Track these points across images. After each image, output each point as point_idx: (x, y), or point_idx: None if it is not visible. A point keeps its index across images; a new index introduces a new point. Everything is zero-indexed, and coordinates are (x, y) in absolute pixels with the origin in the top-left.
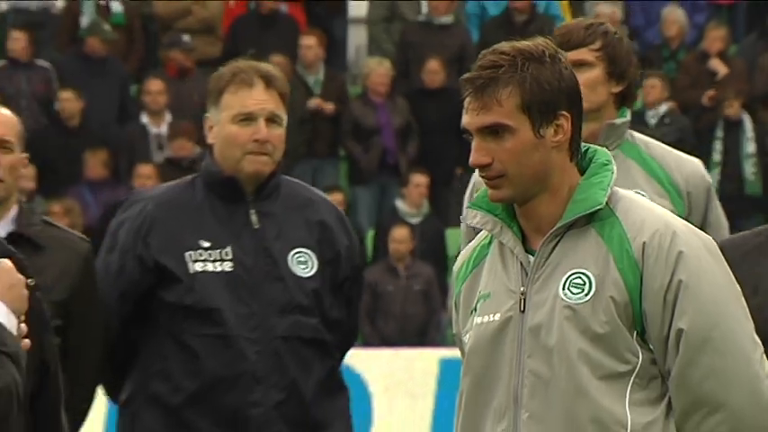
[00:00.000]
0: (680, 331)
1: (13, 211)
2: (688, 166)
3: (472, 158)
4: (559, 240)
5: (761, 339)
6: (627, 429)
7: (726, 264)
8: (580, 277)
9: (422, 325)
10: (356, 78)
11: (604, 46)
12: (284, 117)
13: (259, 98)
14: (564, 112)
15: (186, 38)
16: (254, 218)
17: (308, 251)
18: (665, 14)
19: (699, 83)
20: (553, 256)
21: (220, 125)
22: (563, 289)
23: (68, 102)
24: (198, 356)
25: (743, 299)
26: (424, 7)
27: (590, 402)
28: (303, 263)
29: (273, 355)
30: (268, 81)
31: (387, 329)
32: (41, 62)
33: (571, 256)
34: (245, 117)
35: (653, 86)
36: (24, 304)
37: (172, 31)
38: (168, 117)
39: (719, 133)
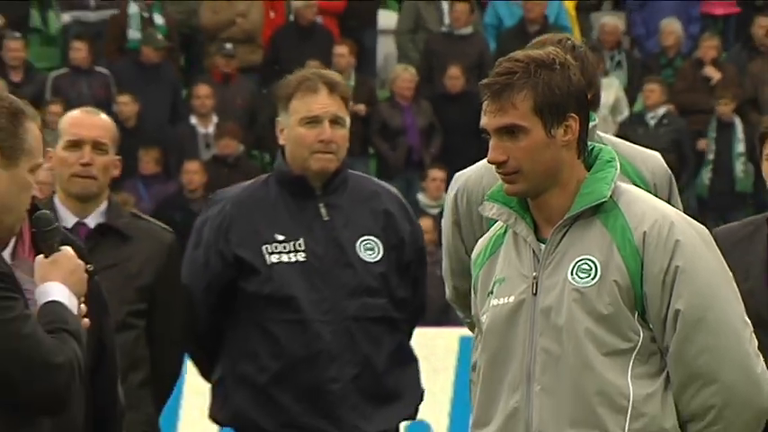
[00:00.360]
0: (677, 312)
1: (103, 205)
2: (651, 159)
3: (490, 156)
4: (568, 230)
5: (751, 321)
6: (629, 400)
7: (718, 251)
8: (587, 263)
9: (443, 306)
10: (384, 83)
11: (573, 58)
12: (347, 119)
13: (323, 102)
14: (573, 114)
15: (229, 46)
16: (323, 211)
17: (375, 238)
18: (664, 26)
19: (694, 88)
20: (562, 244)
21: (290, 128)
22: (571, 274)
23: (125, 105)
24: (279, 340)
25: (734, 283)
26: (447, 19)
27: (596, 376)
28: (370, 249)
29: (346, 335)
30: (331, 87)
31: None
32: (100, 69)
33: (578, 245)
34: (311, 120)
35: (652, 91)
36: (84, 287)
37: (217, 41)
38: (215, 119)
39: (712, 134)
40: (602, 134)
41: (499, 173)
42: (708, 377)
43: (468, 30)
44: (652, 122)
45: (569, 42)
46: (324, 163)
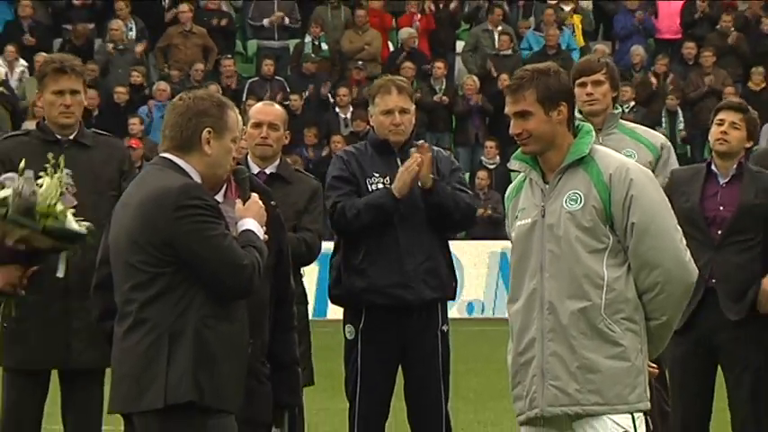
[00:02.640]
0: (632, 224)
1: (276, 161)
2: (657, 136)
3: (511, 130)
4: (562, 175)
5: (689, 225)
6: (604, 280)
7: (659, 187)
8: (575, 194)
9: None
10: (458, 87)
11: (608, 70)
12: (412, 108)
13: (395, 99)
14: (563, 103)
15: (360, 63)
16: (399, 162)
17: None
18: (632, 50)
19: (651, 88)
20: (559, 184)
21: (375, 115)
22: (565, 202)
23: (295, 101)
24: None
25: (669, 205)
26: (497, 44)
27: (583, 266)
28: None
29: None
30: (400, 88)
31: (475, 231)
32: (279, 78)
33: (569, 184)
34: (388, 111)
35: (625, 91)
36: (264, 219)
37: (353, 61)
38: (350, 108)
39: (663, 118)
40: (622, 121)
41: (518, 140)
42: (653, 264)
43: (509, 51)
44: (625, 110)
45: (604, 60)
46: (396, 136)
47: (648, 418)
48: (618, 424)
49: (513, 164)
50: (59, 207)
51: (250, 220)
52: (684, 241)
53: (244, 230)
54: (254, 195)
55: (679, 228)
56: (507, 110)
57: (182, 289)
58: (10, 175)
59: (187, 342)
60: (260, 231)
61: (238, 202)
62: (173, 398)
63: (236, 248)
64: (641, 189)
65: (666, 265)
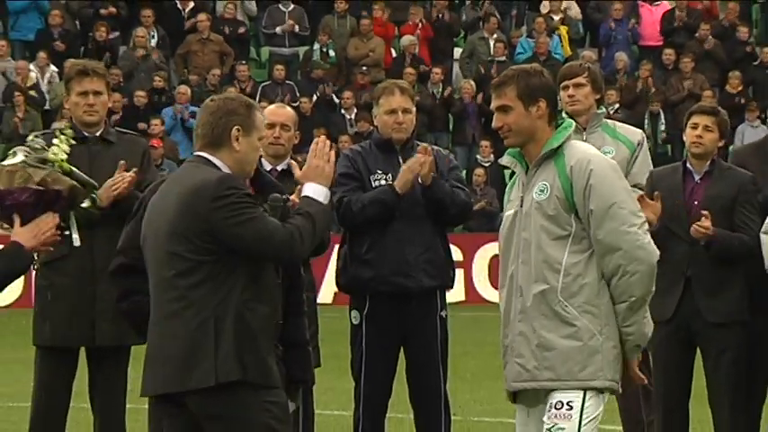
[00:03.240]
0: (591, 210)
1: (287, 160)
2: (635, 133)
3: (494, 123)
4: (537, 168)
5: (672, 222)
6: (562, 264)
7: (622, 175)
8: (542, 185)
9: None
10: (456, 90)
11: (590, 74)
12: (413, 109)
13: (398, 100)
14: (543, 99)
15: (364, 69)
16: (401, 160)
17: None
18: (617, 56)
19: (635, 92)
20: (534, 176)
21: (379, 115)
22: (535, 193)
23: (305, 103)
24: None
25: (630, 192)
26: (492, 50)
27: (543, 252)
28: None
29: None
30: (402, 90)
31: (472, 224)
32: (289, 82)
33: (540, 175)
34: (392, 110)
35: (610, 94)
36: (329, 180)
37: (358, 66)
38: (355, 110)
39: (646, 120)
40: (606, 120)
41: (500, 133)
42: (613, 248)
43: (503, 58)
44: (611, 112)
45: (587, 64)
46: (399, 134)
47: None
48: (565, 397)
49: (504, 159)
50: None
51: (310, 184)
52: (646, 226)
53: (303, 196)
54: (317, 152)
55: (640, 214)
56: (492, 105)
57: (223, 275)
58: (20, 147)
59: (230, 324)
60: (320, 194)
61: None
62: (223, 376)
63: (273, 224)
64: (601, 178)
65: (625, 247)
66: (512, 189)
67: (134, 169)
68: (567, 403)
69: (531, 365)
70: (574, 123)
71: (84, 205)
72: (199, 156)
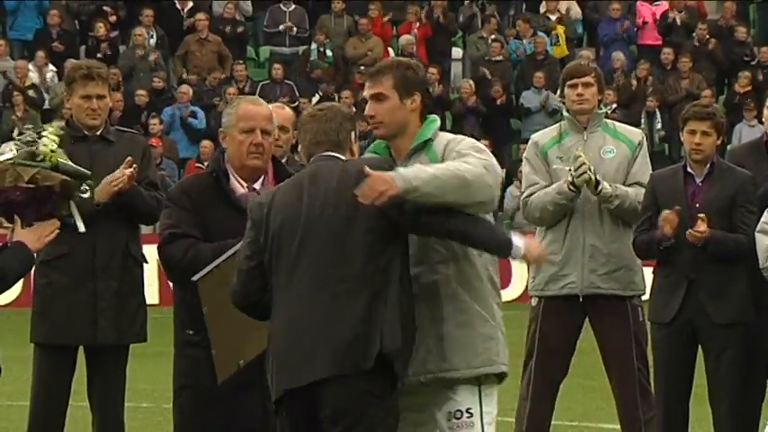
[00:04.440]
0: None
1: (284, 158)
2: (635, 133)
3: (366, 111)
4: (409, 160)
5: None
6: (448, 251)
7: (487, 153)
8: None
9: None
10: (455, 90)
11: (597, 74)
12: None
13: None
14: (418, 93)
15: (363, 68)
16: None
17: None
18: (614, 56)
19: (631, 92)
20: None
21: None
22: None
23: (304, 103)
24: None
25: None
26: (489, 51)
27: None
28: None
29: None
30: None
31: None
32: (288, 82)
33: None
34: None
35: (608, 94)
36: None
37: (356, 66)
38: (354, 110)
39: (642, 119)
40: (606, 120)
41: (370, 123)
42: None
43: (500, 57)
44: (608, 112)
45: (593, 64)
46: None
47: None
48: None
49: (368, 155)
50: (60, 152)
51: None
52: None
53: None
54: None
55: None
56: (365, 93)
57: (389, 252)
58: (8, 143)
59: (393, 306)
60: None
61: None
62: (391, 355)
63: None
64: (465, 149)
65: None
66: None
67: (134, 165)
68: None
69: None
70: (438, 119)
71: (82, 195)
72: (324, 155)
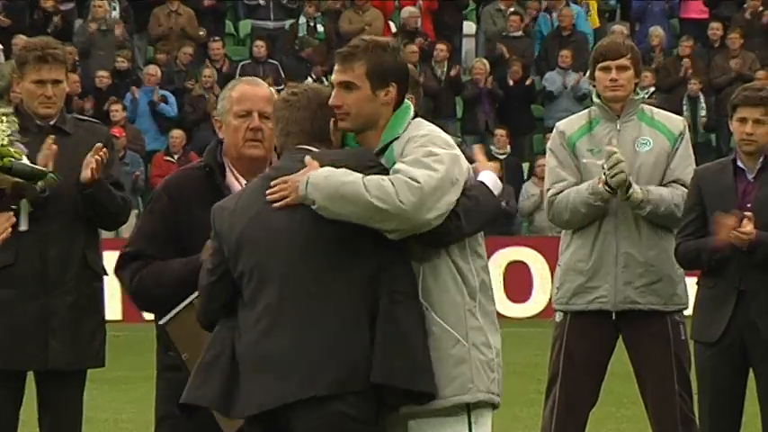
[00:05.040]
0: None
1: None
2: (676, 121)
3: (331, 101)
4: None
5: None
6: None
7: (450, 141)
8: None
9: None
10: (467, 70)
11: (633, 55)
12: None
13: None
14: (393, 84)
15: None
16: None
17: None
18: (652, 31)
19: (672, 74)
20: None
21: None
22: None
23: (289, 87)
24: None
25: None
26: (507, 25)
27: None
28: None
29: None
30: None
31: None
32: (273, 61)
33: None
34: None
35: (645, 76)
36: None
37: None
38: None
39: (684, 105)
40: (643, 105)
41: (336, 112)
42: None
43: (518, 33)
44: (645, 96)
45: (628, 42)
46: None
47: None
48: None
49: None
50: (12, 149)
51: (487, 172)
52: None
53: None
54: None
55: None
56: (333, 78)
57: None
58: None
59: (381, 324)
60: (494, 184)
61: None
62: (380, 377)
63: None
64: (416, 155)
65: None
66: None
67: (104, 150)
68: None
69: None
70: (411, 107)
71: (41, 195)
72: (297, 148)
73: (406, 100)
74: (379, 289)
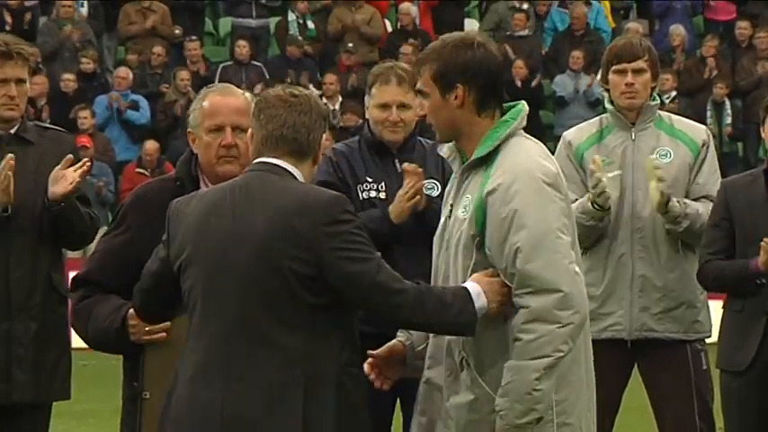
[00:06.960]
0: (515, 244)
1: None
2: (698, 130)
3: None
4: (468, 173)
5: (755, 239)
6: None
7: (552, 196)
8: (467, 200)
9: None
10: None
11: (650, 57)
12: (414, 103)
13: (393, 92)
14: (459, 85)
15: (351, 45)
16: (398, 164)
17: (435, 181)
18: (673, 30)
19: (695, 77)
20: (464, 183)
21: (370, 108)
22: (461, 208)
23: (286, 86)
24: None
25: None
26: (511, 25)
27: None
28: (430, 189)
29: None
30: (400, 79)
31: None
32: (256, 63)
33: (470, 186)
34: (384, 105)
35: (666, 79)
36: None
37: (343, 43)
38: (340, 99)
39: (708, 112)
40: (661, 113)
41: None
42: (553, 288)
43: (525, 32)
44: (665, 102)
45: (645, 43)
46: (391, 136)
47: None
48: None
49: (444, 149)
50: None
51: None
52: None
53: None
54: None
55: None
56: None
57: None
58: None
59: (326, 394)
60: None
61: None
62: None
63: (391, 275)
64: (526, 203)
65: (566, 289)
66: (451, 186)
67: (87, 163)
68: None
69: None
70: (524, 110)
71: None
72: (276, 165)
73: (519, 104)
74: (317, 352)
